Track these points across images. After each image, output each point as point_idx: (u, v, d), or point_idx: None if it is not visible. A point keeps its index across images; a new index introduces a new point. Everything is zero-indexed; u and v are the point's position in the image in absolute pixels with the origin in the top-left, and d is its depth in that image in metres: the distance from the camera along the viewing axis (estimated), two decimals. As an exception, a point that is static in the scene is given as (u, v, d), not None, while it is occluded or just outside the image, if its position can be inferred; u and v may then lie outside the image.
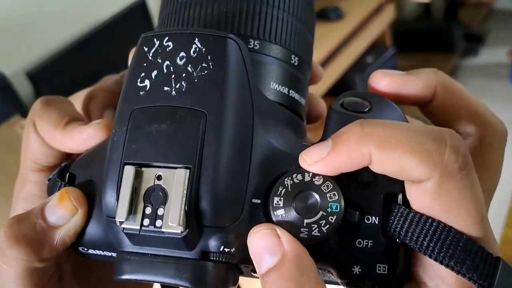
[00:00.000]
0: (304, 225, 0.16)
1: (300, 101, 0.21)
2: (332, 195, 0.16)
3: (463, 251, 0.15)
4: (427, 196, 0.15)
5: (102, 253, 0.18)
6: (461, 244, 0.15)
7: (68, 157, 0.21)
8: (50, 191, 0.19)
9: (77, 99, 0.23)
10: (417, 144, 0.15)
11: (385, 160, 0.15)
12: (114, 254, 0.18)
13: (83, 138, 0.19)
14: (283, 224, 0.16)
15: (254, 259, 0.16)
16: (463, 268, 0.15)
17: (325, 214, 0.16)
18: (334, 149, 0.16)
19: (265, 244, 0.16)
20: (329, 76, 1.48)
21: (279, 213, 0.16)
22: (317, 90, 1.41)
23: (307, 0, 0.21)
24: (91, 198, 0.18)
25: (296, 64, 0.20)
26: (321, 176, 0.16)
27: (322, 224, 0.16)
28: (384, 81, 0.19)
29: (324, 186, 0.16)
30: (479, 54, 2.41)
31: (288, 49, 0.20)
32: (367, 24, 1.64)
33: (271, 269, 0.15)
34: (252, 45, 0.19)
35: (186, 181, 0.15)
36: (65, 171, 0.19)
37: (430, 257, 0.15)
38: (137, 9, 1.29)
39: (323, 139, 0.17)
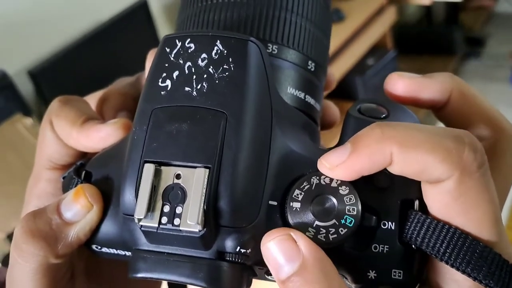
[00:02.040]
0: (321, 228, 0.16)
1: (315, 107, 0.21)
2: (349, 199, 0.16)
3: (480, 258, 0.15)
4: (447, 196, 0.15)
5: (115, 251, 0.18)
6: (477, 251, 0.15)
7: (83, 157, 0.21)
8: (66, 188, 0.19)
9: (91, 101, 0.23)
10: (438, 144, 0.15)
11: (406, 159, 0.15)
12: (127, 253, 0.18)
13: (100, 137, 0.19)
14: (300, 227, 0.16)
15: (272, 267, 0.16)
16: (480, 275, 0.15)
17: (342, 218, 0.16)
18: (354, 152, 0.16)
19: (283, 251, 0.15)
20: (329, 78, 1.49)
21: (296, 216, 0.16)
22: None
23: (323, 5, 0.21)
24: (107, 196, 0.18)
25: (312, 70, 0.20)
26: (338, 180, 0.16)
27: (339, 228, 0.16)
28: (400, 83, 0.19)
29: (341, 190, 0.16)
30: (480, 57, 2.41)
31: (305, 54, 0.20)
32: (368, 26, 1.64)
33: (293, 275, 0.15)
34: (271, 50, 0.19)
35: (206, 180, 0.15)
36: (81, 169, 0.19)
37: (447, 263, 0.15)
38: (139, 9, 1.29)
39: (340, 144, 0.17)
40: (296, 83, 0.20)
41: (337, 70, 1.51)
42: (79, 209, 0.18)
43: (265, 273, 0.18)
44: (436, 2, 2.15)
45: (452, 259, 0.15)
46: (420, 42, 2.33)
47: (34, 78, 1.09)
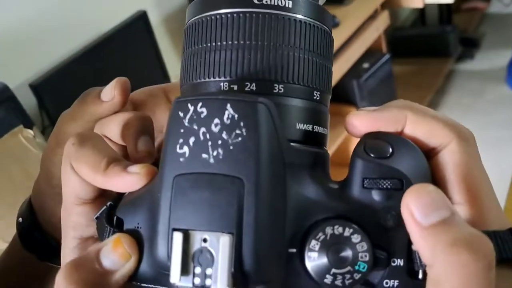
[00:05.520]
0: (338, 275, 0.18)
1: (323, 133, 0.22)
2: (361, 246, 0.18)
3: None
4: (455, 157, 0.19)
5: (153, 286, 0.20)
6: None
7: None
8: (101, 234, 0.20)
9: (110, 124, 0.24)
10: (439, 116, 0.20)
11: (417, 121, 0.19)
12: None
13: (125, 184, 0.20)
14: (318, 274, 0.18)
15: (421, 209, 0.16)
16: None
17: (356, 264, 0.18)
18: (379, 108, 0.20)
19: (435, 200, 0.16)
20: (326, 82, 1.50)
21: (314, 265, 0.18)
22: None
23: (324, 33, 0.22)
24: (141, 243, 0.19)
25: (318, 98, 0.21)
26: (350, 229, 0.18)
27: (354, 274, 0.18)
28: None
29: (353, 238, 0.18)
30: (475, 58, 2.43)
31: (311, 86, 0.21)
32: (363, 31, 1.66)
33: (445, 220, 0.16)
34: (277, 90, 0.20)
35: (231, 246, 0.17)
36: (112, 214, 0.20)
37: None
38: (138, 20, 1.30)
39: (346, 182, 0.19)
40: (304, 118, 0.21)
41: (333, 74, 1.52)
42: (118, 258, 0.19)
43: None
44: (428, 4, 2.18)
45: None
46: (414, 45, 2.35)
47: (35, 91, 1.11)
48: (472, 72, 2.35)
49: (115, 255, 0.19)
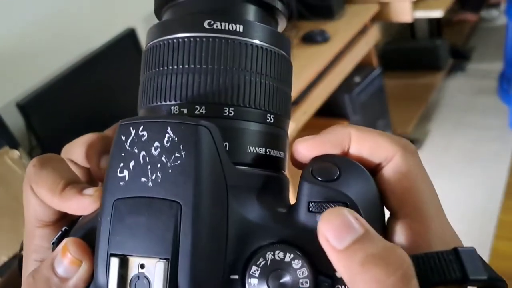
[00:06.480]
0: None
1: (278, 156, 0.22)
2: (302, 272, 0.18)
3: None
4: (398, 171, 0.19)
5: None
6: None
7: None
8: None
9: (75, 147, 0.24)
10: (382, 132, 0.20)
11: (362, 137, 0.19)
12: None
13: (79, 207, 0.21)
14: None
15: (334, 235, 0.16)
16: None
17: None
18: (322, 132, 0.20)
19: (346, 222, 0.16)
20: (318, 97, 1.50)
21: None
22: (308, 109, 1.42)
23: (279, 55, 0.21)
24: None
25: (272, 121, 0.21)
26: (291, 255, 0.18)
27: None
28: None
29: (294, 264, 0.18)
30: (466, 70, 2.45)
31: (263, 109, 0.21)
32: (353, 45, 1.67)
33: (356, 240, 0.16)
34: (227, 113, 0.20)
35: (166, 273, 0.17)
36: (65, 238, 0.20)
37: None
38: (126, 37, 1.31)
39: (294, 206, 0.19)
40: (255, 141, 0.20)
41: (325, 89, 1.53)
42: (68, 266, 0.19)
43: None
44: (418, 18, 2.20)
45: None
46: (405, 59, 2.37)
47: (22, 111, 1.09)
48: (463, 84, 2.37)
49: (65, 262, 0.19)
